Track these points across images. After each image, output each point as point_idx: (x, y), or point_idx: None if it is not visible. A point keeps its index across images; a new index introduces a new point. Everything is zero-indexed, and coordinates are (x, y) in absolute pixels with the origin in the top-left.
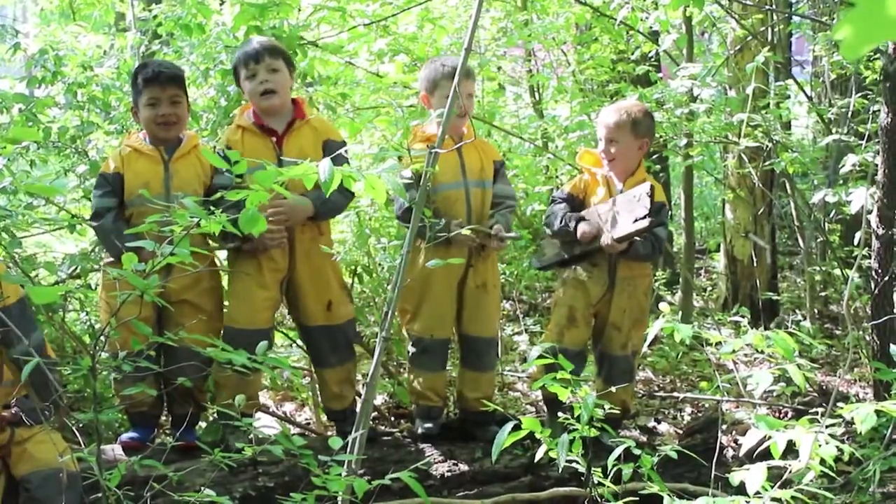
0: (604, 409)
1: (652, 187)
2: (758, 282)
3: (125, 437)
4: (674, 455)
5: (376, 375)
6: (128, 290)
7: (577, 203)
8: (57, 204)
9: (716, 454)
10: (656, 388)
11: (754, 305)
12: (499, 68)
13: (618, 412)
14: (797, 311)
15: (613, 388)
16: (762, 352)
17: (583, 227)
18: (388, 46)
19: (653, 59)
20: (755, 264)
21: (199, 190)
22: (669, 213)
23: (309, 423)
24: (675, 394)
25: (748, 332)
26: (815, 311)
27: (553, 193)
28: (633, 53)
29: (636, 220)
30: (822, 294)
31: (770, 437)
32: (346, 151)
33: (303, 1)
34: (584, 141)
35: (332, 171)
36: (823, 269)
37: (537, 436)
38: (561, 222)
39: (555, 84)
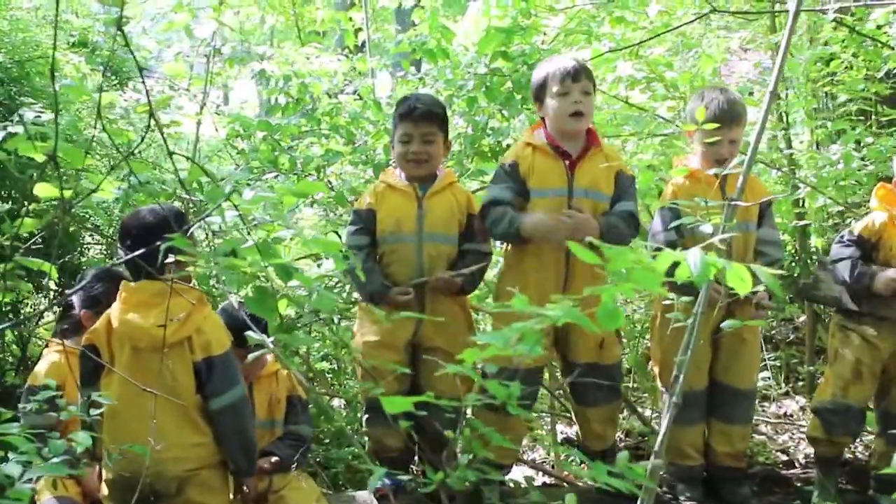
0: None
1: None
2: None
3: (377, 483)
4: None
5: (664, 443)
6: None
7: (868, 248)
8: (302, 236)
9: None
10: None
11: None
12: (750, 93)
13: None
14: None
15: None
16: None
17: (882, 280)
18: (637, 72)
19: None
20: None
21: (452, 229)
22: None
23: (545, 463)
24: None
25: None
26: None
27: (841, 234)
28: (879, 70)
29: None
30: None
31: None
32: (635, 188)
33: (548, 24)
34: (853, 174)
35: (705, 263)
36: None
37: None
38: (853, 273)
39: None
